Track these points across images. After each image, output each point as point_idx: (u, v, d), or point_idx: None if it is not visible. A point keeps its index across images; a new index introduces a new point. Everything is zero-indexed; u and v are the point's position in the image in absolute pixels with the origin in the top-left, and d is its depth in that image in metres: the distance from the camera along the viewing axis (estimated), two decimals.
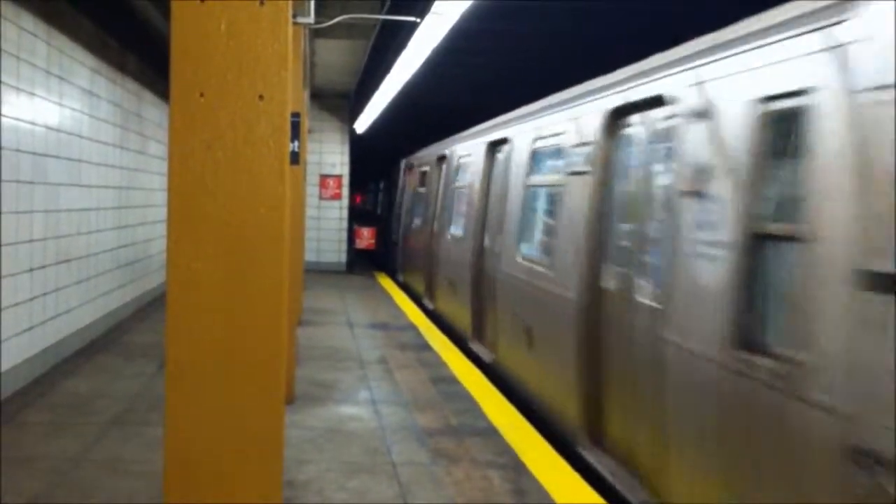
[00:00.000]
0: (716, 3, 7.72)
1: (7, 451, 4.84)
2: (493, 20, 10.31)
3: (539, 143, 6.92)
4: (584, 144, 5.62)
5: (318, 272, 15.90)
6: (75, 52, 7.41)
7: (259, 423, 2.50)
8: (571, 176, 5.77)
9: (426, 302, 11.90)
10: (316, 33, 9.80)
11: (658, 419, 4.16)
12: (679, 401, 3.97)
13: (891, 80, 2.70)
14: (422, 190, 13.36)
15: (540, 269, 6.36)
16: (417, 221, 13.40)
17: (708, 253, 3.79)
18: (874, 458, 2.61)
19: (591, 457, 5.06)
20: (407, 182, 15.23)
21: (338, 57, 12.12)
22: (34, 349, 6.58)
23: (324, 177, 16.48)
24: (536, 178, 6.96)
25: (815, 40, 3.16)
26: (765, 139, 3.51)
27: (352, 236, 17.08)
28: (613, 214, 5.20)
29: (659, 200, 4.48)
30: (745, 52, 3.71)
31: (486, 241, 8.41)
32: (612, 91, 5.32)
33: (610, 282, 5.10)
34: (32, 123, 6.37)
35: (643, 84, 4.84)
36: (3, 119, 5.78)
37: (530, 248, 6.97)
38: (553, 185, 6.35)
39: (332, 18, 8.28)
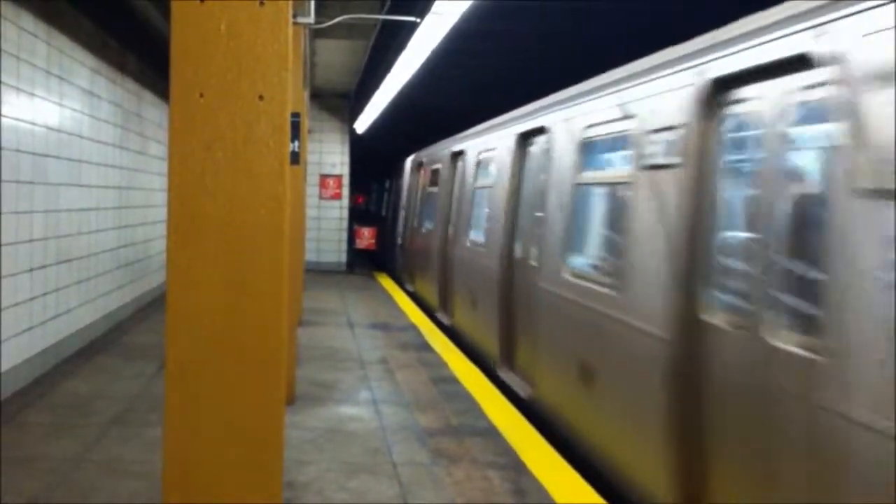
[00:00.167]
0: (716, 3, 7.72)
1: (7, 451, 4.84)
2: (493, 20, 10.32)
3: (593, 132, 5.56)
4: (667, 129, 4.31)
5: (319, 272, 15.90)
6: (75, 52, 7.41)
7: (259, 423, 2.50)
8: (647, 171, 4.48)
9: (441, 316, 10.53)
10: (316, 33, 9.79)
11: None
12: None
13: None
14: (433, 190, 12.11)
15: (601, 289, 5.01)
16: (428, 225, 12.08)
17: None
18: None
19: None
20: (415, 181, 13.99)
21: (338, 57, 12.12)
22: (34, 349, 6.57)
23: (324, 177, 16.47)
24: (589, 175, 5.68)
25: None
26: None
27: (352, 236, 17.07)
28: (720, 221, 3.85)
29: (813, 203, 3.21)
30: None
31: (517, 251, 7.20)
32: (714, 55, 3.98)
33: (723, 316, 3.69)
34: (32, 123, 6.37)
35: (772, 41, 3.49)
36: (3, 119, 5.78)
37: (583, 262, 5.71)
38: (616, 183, 5.08)
39: (332, 18, 8.28)
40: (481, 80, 15.42)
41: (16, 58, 6.01)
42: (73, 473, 4.57)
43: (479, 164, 9.10)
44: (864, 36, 2.90)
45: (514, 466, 4.92)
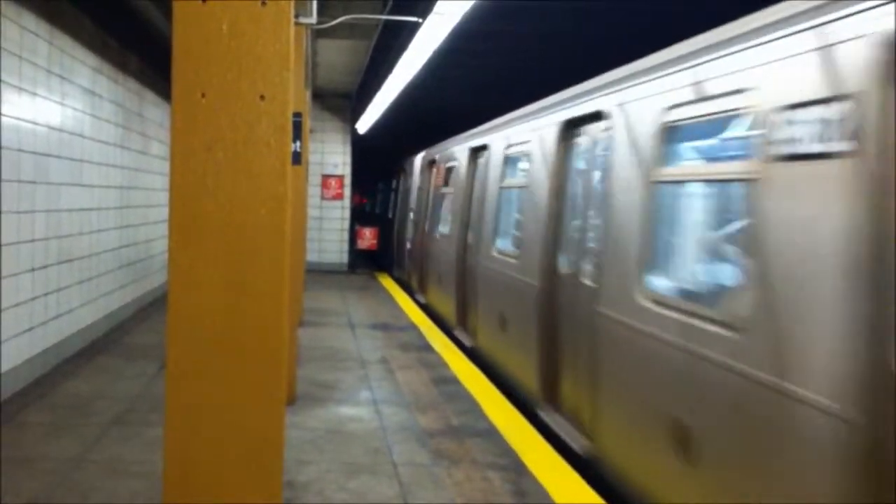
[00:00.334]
0: (716, 3, 7.71)
1: (7, 451, 4.83)
2: (495, 20, 10.32)
3: (680, 113, 4.21)
4: (826, 102, 3.01)
5: (320, 272, 15.90)
6: (77, 51, 7.41)
7: (259, 423, 2.50)
8: (784, 162, 3.23)
9: (460, 335, 9.16)
10: (318, 33, 9.79)
11: None
12: None
13: None
14: (447, 190, 11.00)
15: (711, 327, 3.64)
16: (443, 229, 10.88)
17: None
18: None
19: None
20: (426, 181, 12.86)
21: (340, 57, 12.12)
22: (35, 349, 6.57)
23: (326, 177, 16.48)
24: (675, 170, 4.36)
25: None
26: None
27: (353, 236, 17.08)
28: None
29: None
30: None
31: (562, 265, 5.96)
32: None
33: None
34: (34, 123, 6.37)
35: None
36: (5, 119, 5.78)
37: (673, 286, 4.34)
38: (731, 180, 3.86)
39: (334, 18, 8.28)
40: (483, 80, 15.43)
41: (17, 57, 6.01)
42: (73, 474, 4.57)
43: (506, 160, 7.88)
44: None
45: (515, 467, 4.92)
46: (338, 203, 16.60)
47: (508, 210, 7.87)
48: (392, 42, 10.96)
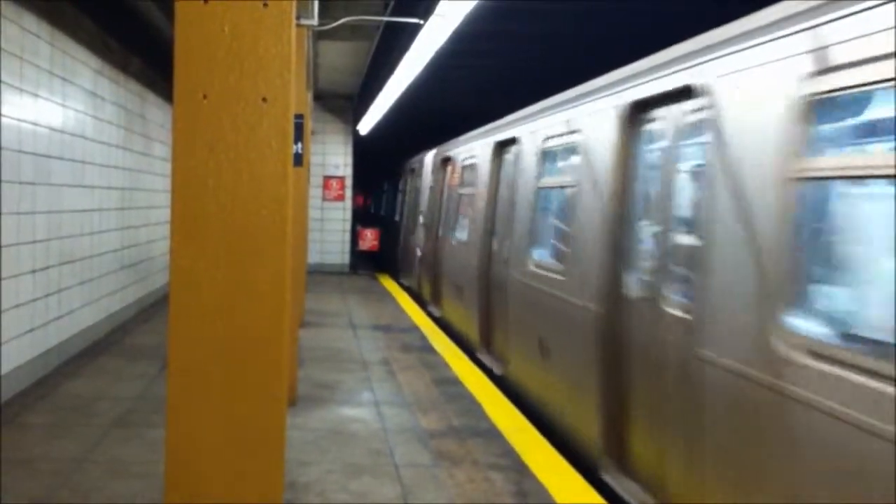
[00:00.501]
0: (716, 3, 7.72)
1: (8, 452, 4.84)
2: (496, 21, 10.32)
3: (848, 78, 2.95)
4: None
5: (322, 273, 15.91)
6: (78, 52, 7.42)
7: (261, 424, 2.50)
8: None
9: (486, 359, 7.95)
10: (319, 35, 9.80)
11: None
12: None
13: None
14: (465, 191, 9.81)
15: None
16: (460, 235, 9.76)
17: None
18: None
19: None
20: (439, 180, 11.78)
21: (341, 58, 12.14)
22: (36, 350, 6.58)
23: (327, 178, 16.49)
24: (842, 160, 3.07)
25: None
26: None
27: (355, 238, 17.09)
28: None
29: None
30: None
31: (633, 288, 4.66)
32: None
33: None
34: (35, 124, 6.37)
35: None
36: (6, 120, 5.78)
37: (843, 321, 3.00)
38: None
39: (335, 20, 8.29)
40: (485, 81, 15.43)
41: (18, 58, 6.01)
42: (74, 474, 4.57)
43: (544, 155, 6.64)
44: None
45: (516, 468, 4.92)
46: (339, 204, 16.61)
47: (548, 214, 6.61)
48: (393, 43, 10.96)
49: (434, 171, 12.31)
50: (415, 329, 9.95)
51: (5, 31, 5.72)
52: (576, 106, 5.95)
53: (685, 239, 4.10)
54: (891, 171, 2.70)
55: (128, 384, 6.61)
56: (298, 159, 6.17)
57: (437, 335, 9.53)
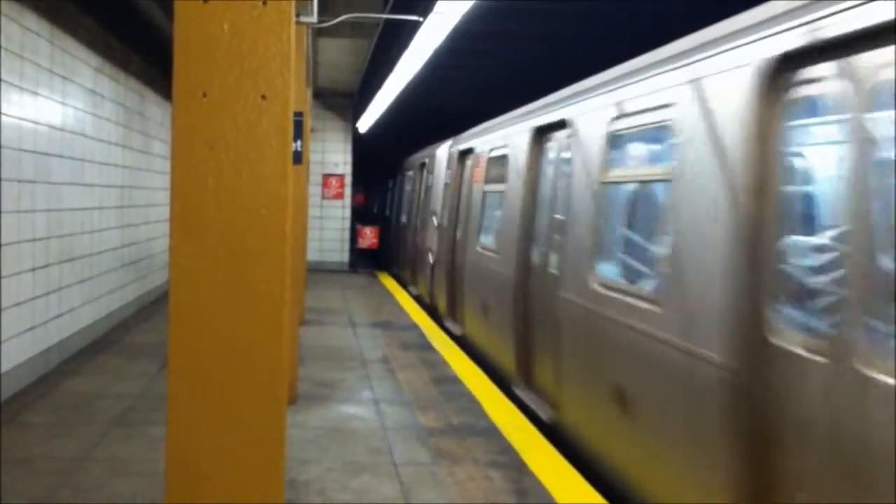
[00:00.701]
0: (715, 3, 7.71)
1: (8, 451, 4.84)
2: (495, 20, 10.32)
3: None
4: None
5: (321, 271, 15.91)
6: (78, 51, 7.42)
7: (261, 422, 2.50)
8: None
9: (529, 399, 6.32)
10: (319, 32, 9.80)
11: None
12: None
13: None
14: (491, 188, 8.39)
15: None
16: (486, 240, 8.38)
17: None
18: None
19: None
20: (458, 177, 10.38)
21: (341, 56, 12.13)
22: (36, 349, 6.58)
23: (327, 176, 16.50)
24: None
25: None
26: None
27: (354, 236, 17.10)
28: None
29: None
30: None
31: (779, 328, 3.21)
32: None
33: None
34: (35, 122, 6.37)
35: None
36: (6, 118, 5.79)
37: None
38: None
39: (335, 17, 8.28)
40: (483, 80, 15.44)
41: (19, 56, 6.01)
42: (74, 473, 4.58)
43: (612, 140, 5.07)
44: None
45: (516, 466, 4.92)
46: (338, 202, 16.61)
47: (622, 218, 5.12)
48: (393, 41, 10.96)
49: (450, 166, 10.94)
50: (414, 327, 9.95)
51: (6, 30, 5.72)
52: (667, 70, 4.39)
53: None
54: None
55: (128, 382, 6.61)
56: (298, 157, 6.17)
57: (436, 333, 9.53)
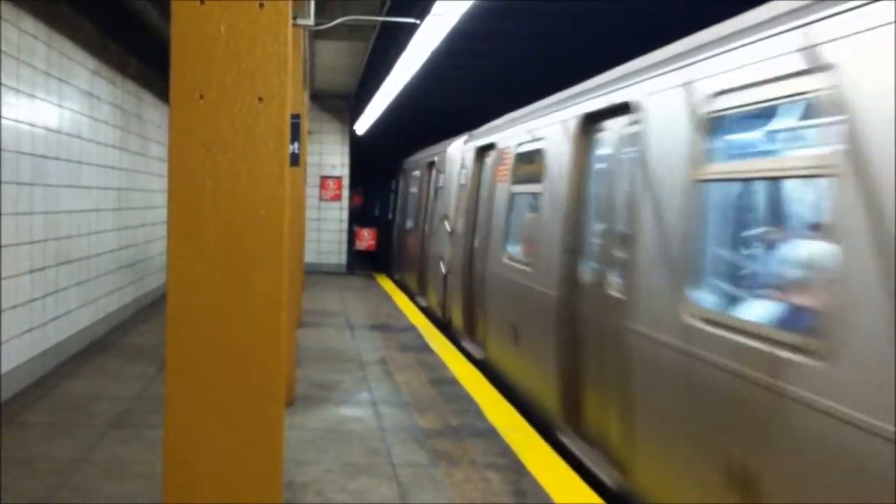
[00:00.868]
0: (715, 3, 7.72)
1: (7, 452, 4.84)
2: (494, 20, 10.32)
3: None
4: None
5: (319, 273, 15.91)
6: (75, 53, 7.41)
7: (259, 424, 2.50)
8: None
9: (578, 451, 5.25)
10: (316, 34, 9.80)
11: None
12: None
13: None
14: (524, 189, 7.23)
15: None
16: (516, 251, 7.31)
17: None
18: None
19: None
20: (477, 177, 9.15)
21: (338, 58, 12.14)
22: (35, 351, 6.58)
23: (324, 178, 16.50)
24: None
25: None
26: None
27: (352, 237, 17.10)
28: None
29: None
30: None
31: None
32: None
33: None
34: (32, 125, 6.37)
35: None
36: (4, 121, 5.78)
37: None
38: None
39: (332, 20, 8.29)
40: (482, 81, 15.44)
41: (16, 59, 6.01)
42: (73, 474, 4.58)
43: (703, 126, 3.85)
44: None
45: (514, 467, 4.92)
46: (336, 204, 16.62)
47: (711, 227, 3.97)
48: (390, 43, 10.96)
49: (465, 165, 9.67)
50: (412, 329, 9.96)
51: (3, 34, 5.72)
52: (784, 29, 3.26)
53: None
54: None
55: (126, 384, 6.61)
56: (295, 159, 6.18)
57: (434, 335, 9.53)
